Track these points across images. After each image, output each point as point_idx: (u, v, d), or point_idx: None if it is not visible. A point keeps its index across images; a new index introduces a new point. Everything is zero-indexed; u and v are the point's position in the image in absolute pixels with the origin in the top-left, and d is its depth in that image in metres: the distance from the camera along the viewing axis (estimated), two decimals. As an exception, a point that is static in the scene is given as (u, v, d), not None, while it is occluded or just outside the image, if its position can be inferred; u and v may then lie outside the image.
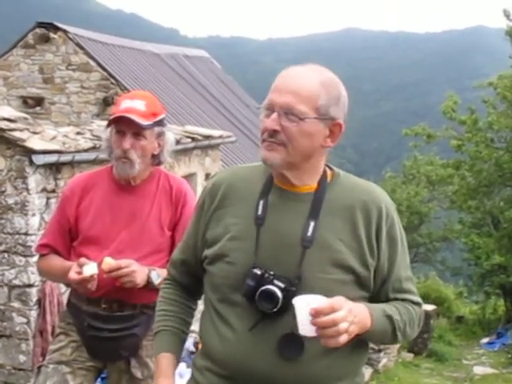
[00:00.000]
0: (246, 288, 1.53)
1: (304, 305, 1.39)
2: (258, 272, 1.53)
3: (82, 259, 2.21)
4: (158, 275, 2.27)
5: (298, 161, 1.58)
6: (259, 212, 1.59)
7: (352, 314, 1.43)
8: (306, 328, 1.41)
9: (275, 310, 1.50)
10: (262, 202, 1.61)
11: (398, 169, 25.20)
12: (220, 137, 9.73)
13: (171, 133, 2.59)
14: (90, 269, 2.13)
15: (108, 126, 2.42)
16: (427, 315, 11.25)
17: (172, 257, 1.87)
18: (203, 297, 1.77)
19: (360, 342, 1.60)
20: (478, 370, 12.38)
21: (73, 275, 2.18)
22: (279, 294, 1.50)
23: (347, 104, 1.63)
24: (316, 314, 1.36)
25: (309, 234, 1.56)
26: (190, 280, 1.80)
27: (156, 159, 2.46)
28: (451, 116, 15.39)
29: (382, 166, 29.65)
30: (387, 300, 1.64)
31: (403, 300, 1.65)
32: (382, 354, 10.55)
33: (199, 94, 16.17)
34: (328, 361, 1.56)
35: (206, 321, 1.68)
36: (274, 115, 1.53)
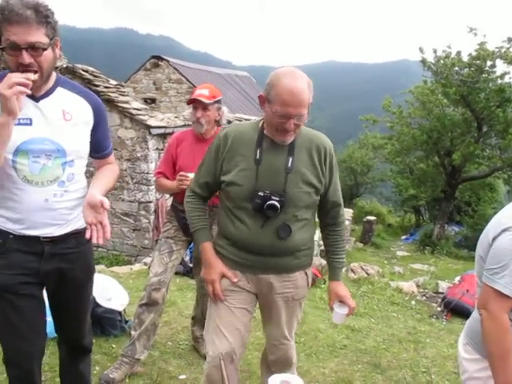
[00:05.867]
0: (255, 204, 1.91)
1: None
2: (261, 194, 1.90)
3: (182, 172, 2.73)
4: None
5: None
6: (257, 156, 1.93)
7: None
8: None
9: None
10: (258, 150, 1.94)
11: (356, 140, 29.71)
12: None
13: (226, 107, 3.01)
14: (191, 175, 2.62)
15: (188, 104, 2.91)
16: (371, 222, 17.19)
17: (197, 180, 2.13)
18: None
19: (311, 224, 2.09)
20: (399, 253, 15.65)
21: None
22: (278, 204, 1.89)
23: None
24: None
25: (289, 165, 1.93)
26: (208, 194, 2.14)
27: (218, 123, 2.92)
28: (387, 109, 18.06)
29: (347, 139, 34.52)
30: (328, 200, 2.07)
31: (335, 204, 2.10)
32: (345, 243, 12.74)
33: (242, 96, 20.29)
34: (299, 236, 1.99)
35: (225, 218, 2.04)
36: (292, 121, 1.82)
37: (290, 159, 1.93)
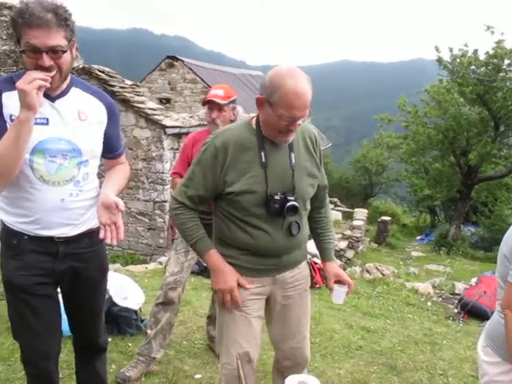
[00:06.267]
0: (273, 208, 1.85)
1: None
2: (278, 197, 1.84)
3: None
4: None
5: None
6: (263, 160, 1.84)
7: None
8: None
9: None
10: (263, 153, 1.85)
11: (370, 139, 29.69)
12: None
13: (241, 107, 3.00)
14: None
15: (203, 105, 2.89)
16: (386, 222, 16.70)
17: (185, 192, 1.92)
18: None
19: (306, 223, 2.09)
20: (414, 253, 15.41)
21: None
22: (297, 204, 1.87)
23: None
24: None
25: (293, 161, 1.90)
26: (199, 206, 1.95)
27: (233, 122, 2.81)
28: (402, 108, 18.00)
29: (361, 138, 34.49)
30: (319, 185, 2.05)
31: (324, 187, 2.12)
32: (360, 243, 13.01)
33: (256, 94, 20.01)
34: (305, 227, 2.07)
35: (233, 227, 1.92)
36: (297, 122, 1.77)
37: (293, 155, 1.91)
